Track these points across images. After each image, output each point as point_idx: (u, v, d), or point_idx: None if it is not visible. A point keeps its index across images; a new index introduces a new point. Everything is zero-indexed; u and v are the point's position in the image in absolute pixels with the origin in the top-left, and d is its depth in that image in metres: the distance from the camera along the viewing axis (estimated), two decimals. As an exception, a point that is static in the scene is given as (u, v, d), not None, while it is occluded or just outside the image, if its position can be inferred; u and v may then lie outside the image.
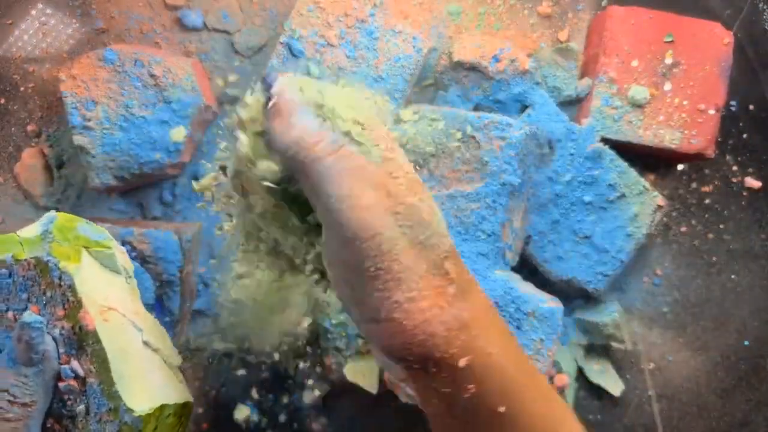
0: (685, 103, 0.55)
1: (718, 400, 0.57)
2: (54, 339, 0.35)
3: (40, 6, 0.57)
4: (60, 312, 0.36)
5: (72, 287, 0.36)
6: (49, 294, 0.36)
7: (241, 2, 0.58)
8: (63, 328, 0.36)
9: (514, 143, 0.51)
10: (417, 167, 0.54)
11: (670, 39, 0.55)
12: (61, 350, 0.35)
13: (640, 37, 0.55)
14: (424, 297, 0.26)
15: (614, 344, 0.57)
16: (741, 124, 0.59)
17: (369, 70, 0.53)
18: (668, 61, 0.55)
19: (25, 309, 0.35)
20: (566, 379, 0.55)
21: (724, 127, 0.57)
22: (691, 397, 0.58)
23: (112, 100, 0.52)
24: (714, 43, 0.55)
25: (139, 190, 0.57)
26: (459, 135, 0.52)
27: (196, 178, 0.57)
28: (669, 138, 0.55)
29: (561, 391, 0.55)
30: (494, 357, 0.28)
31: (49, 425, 0.34)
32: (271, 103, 0.29)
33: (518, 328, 0.49)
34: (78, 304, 0.36)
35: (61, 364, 0.35)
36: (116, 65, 0.52)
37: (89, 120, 0.52)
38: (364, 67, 0.53)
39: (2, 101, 0.57)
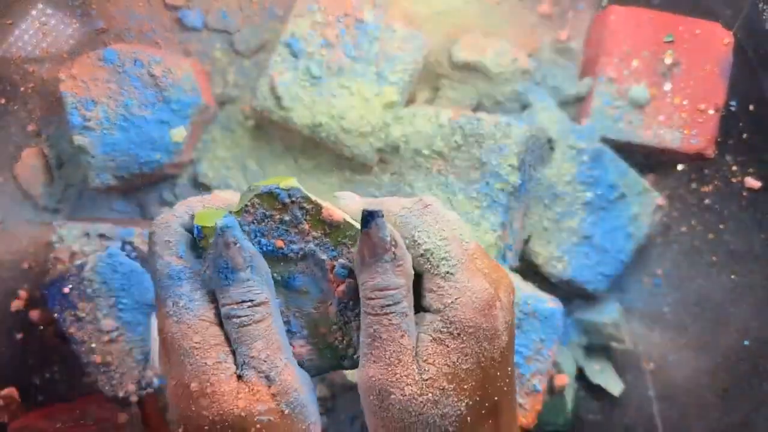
0: (685, 103, 0.55)
1: (718, 400, 0.57)
2: (316, 256, 0.35)
3: (40, 6, 0.57)
4: (306, 227, 0.35)
5: (304, 197, 0.35)
6: (287, 218, 0.35)
7: (241, 2, 0.58)
8: (314, 239, 0.35)
9: (514, 143, 0.51)
10: (418, 167, 0.54)
11: (670, 39, 0.55)
12: (325, 257, 0.35)
13: (640, 37, 0.55)
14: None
15: (614, 344, 0.57)
16: (741, 124, 0.59)
17: (369, 70, 0.53)
18: (668, 61, 0.55)
19: (273, 250, 0.35)
20: (566, 379, 0.55)
21: (724, 127, 0.57)
22: (691, 397, 0.58)
23: (112, 100, 0.52)
24: (714, 43, 0.55)
25: (139, 190, 0.57)
26: (459, 135, 0.52)
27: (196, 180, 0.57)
28: (669, 138, 0.55)
29: (561, 391, 0.55)
30: None
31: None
32: (367, 238, 0.31)
33: (518, 328, 0.49)
34: (317, 208, 0.35)
35: (330, 273, 0.35)
36: (116, 65, 0.52)
37: (89, 120, 0.52)
38: (364, 66, 0.53)
39: (2, 101, 0.57)
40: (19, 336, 0.56)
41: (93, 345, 0.50)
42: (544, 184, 0.55)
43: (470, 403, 0.31)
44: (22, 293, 0.56)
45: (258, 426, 0.31)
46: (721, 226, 0.59)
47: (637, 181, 0.54)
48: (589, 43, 0.59)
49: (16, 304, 0.56)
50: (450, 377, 0.31)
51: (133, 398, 0.51)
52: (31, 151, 0.58)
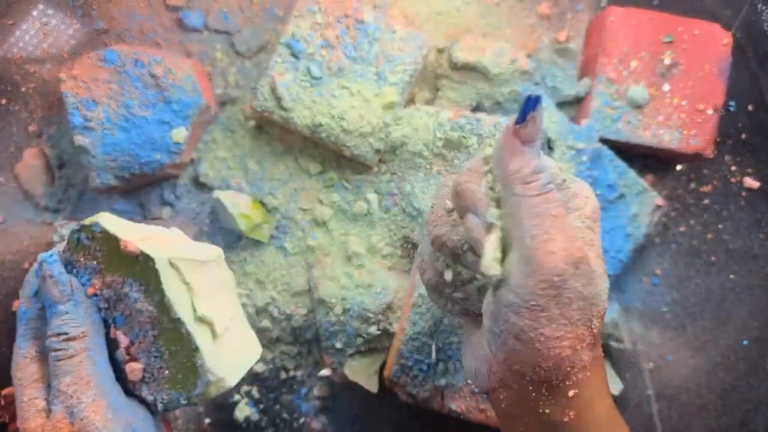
0: (684, 103, 0.55)
1: (717, 400, 0.58)
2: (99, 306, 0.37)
3: (41, 6, 0.58)
4: (99, 265, 0.37)
5: (104, 232, 0.37)
6: (91, 257, 0.37)
7: (242, 3, 0.58)
8: (104, 284, 0.37)
9: (513, 143, 0.51)
10: (418, 167, 0.54)
11: (669, 39, 0.55)
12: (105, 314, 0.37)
13: (639, 37, 0.55)
14: (567, 338, 0.31)
15: (613, 344, 0.57)
16: (740, 125, 0.59)
17: (369, 70, 0.53)
18: (667, 61, 0.55)
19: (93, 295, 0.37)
20: (566, 378, 0.55)
21: (723, 127, 0.57)
22: (691, 397, 0.58)
23: (113, 101, 0.52)
24: (713, 43, 0.55)
25: (140, 190, 0.58)
26: (459, 135, 0.52)
27: (197, 178, 0.57)
28: (668, 138, 0.55)
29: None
30: (596, 397, 0.34)
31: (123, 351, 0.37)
32: (523, 123, 0.32)
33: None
34: (114, 239, 0.36)
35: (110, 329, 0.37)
36: (117, 65, 0.52)
37: (90, 120, 0.52)
38: (364, 67, 0.53)
39: (3, 102, 0.58)
40: (20, 335, 0.56)
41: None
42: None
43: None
44: (23, 293, 0.57)
45: None
46: (719, 226, 0.59)
47: (636, 181, 0.55)
48: (588, 43, 0.59)
49: (17, 304, 0.56)
50: (601, 251, 0.35)
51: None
52: (32, 151, 0.58)
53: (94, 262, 0.36)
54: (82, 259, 0.37)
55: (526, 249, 0.31)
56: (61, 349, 0.34)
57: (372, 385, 0.54)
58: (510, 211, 0.32)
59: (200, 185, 0.58)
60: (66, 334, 0.34)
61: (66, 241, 0.37)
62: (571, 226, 0.32)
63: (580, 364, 0.32)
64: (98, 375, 0.35)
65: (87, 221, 0.37)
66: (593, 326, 0.32)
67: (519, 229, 0.31)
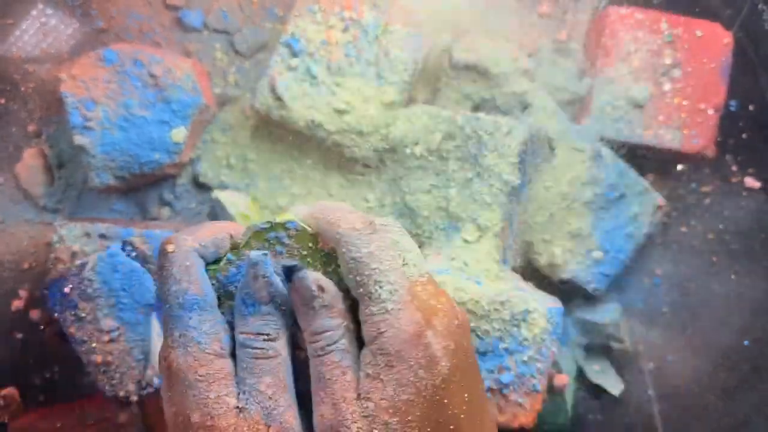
0: (684, 103, 0.55)
1: (718, 400, 0.57)
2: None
3: (40, 6, 0.58)
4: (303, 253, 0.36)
5: (301, 230, 0.35)
6: (288, 250, 0.36)
7: (241, 2, 0.58)
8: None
9: (514, 143, 0.51)
10: (418, 167, 0.54)
11: (669, 39, 0.55)
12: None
13: (639, 37, 0.55)
14: None
15: (614, 344, 0.57)
16: (741, 124, 0.59)
17: (369, 70, 0.53)
18: (668, 61, 0.55)
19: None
20: (566, 379, 0.55)
21: (724, 127, 0.57)
22: (691, 397, 0.58)
23: (112, 100, 0.52)
24: (714, 43, 0.55)
25: (139, 190, 0.57)
26: (459, 135, 0.52)
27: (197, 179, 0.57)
28: (669, 138, 0.55)
29: (561, 390, 0.55)
30: None
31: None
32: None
33: (518, 327, 0.49)
34: (311, 236, 0.35)
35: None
36: (116, 65, 0.52)
37: (89, 120, 0.52)
38: (364, 66, 0.53)
39: (2, 101, 0.57)
40: (19, 336, 0.56)
41: (93, 345, 0.50)
42: (544, 184, 0.55)
43: None
44: (23, 293, 0.57)
45: None
46: (720, 226, 0.59)
47: (636, 181, 0.55)
48: (588, 43, 0.59)
49: (16, 304, 0.56)
50: (391, 411, 0.30)
51: (134, 398, 0.51)
52: (31, 151, 0.58)
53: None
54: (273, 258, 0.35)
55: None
56: (261, 348, 0.32)
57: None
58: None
59: (199, 185, 0.58)
60: (268, 335, 0.33)
61: (250, 239, 0.36)
62: (342, 391, 0.31)
63: None
64: (290, 381, 0.33)
65: (280, 219, 0.36)
66: None
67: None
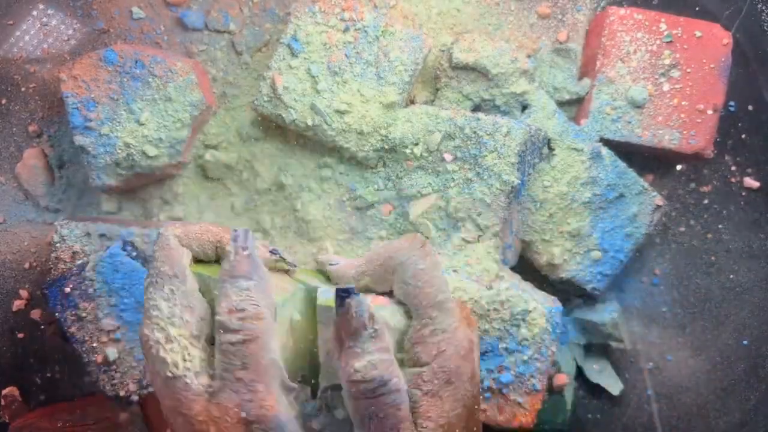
0: (684, 103, 0.55)
1: (717, 399, 0.58)
2: None
3: (41, 6, 0.58)
4: None
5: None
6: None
7: (242, 2, 0.58)
8: None
9: (513, 143, 0.51)
10: (417, 167, 0.54)
11: (669, 39, 0.55)
12: None
13: (638, 37, 0.55)
14: None
15: (613, 344, 0.57)
16: (740, 125, 0.59)
17: (369, 70, 0.53)
18: (667, 61, 0.55)
19: None
20: (566, 378, 0.55)
21: (723, 128, 0.57)
22: (691, 396, 0.58)
23: (113, 101, 0.52)
24: (713, 43, 0.55)
25: (140, 190, 0.58)
26: (458, 135, 0.52)
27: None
28: (668, 138, 0.55)
29: (560, 390, 0.55)
30: None
31: None
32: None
33: (517, 327, 0.49)
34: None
35: None
36: (117, 65, 0.52)
37: (90, 120, 0.52)
38: (364, 66, 0.53)
39: (3, 101, 0.58)
40: (20, 335, 0.57)
41: (94, 344, 0.51)
42: (544, 185, 0.55)
43: None
44: (24, 293, 0.57)
45: None
46: (719, 226, 0.59)
47: (635, 181, 0.55)
48: (588, 43, 0.59)
49: (17, 304, 0.57)
50: (445, 427, 0.30)
51: (134, 398, 0.52)
52: (32, 151, 0.58)
53: None
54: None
55: None
56: (238, 330, 0.30)
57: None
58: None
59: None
60: (243, 310, 0.30)
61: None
62: (397, 424, 0.30)
63: None
64: (272, 364, 0.31)
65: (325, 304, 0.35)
66: None
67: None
